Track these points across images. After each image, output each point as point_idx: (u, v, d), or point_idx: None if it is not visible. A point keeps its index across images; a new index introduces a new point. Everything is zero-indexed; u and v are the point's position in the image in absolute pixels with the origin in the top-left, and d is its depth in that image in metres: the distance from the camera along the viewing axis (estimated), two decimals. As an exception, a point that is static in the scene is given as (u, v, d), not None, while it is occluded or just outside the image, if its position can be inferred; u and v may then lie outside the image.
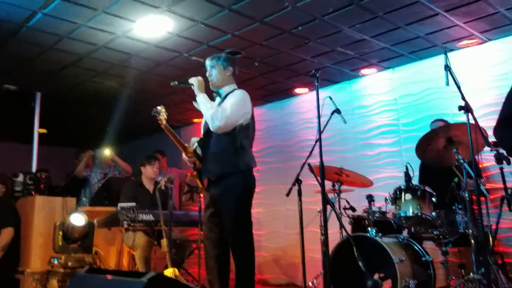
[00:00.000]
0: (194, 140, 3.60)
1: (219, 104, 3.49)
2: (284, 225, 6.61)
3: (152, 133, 9.23)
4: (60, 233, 4.55)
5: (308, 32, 4.68)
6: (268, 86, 6.36)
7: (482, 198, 3.68)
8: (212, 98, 3.64)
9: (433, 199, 3.67)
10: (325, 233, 3.12)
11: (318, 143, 3.24)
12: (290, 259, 6.45)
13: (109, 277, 2.16)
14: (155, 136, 9.26)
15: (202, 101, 3.48)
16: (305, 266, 3.61)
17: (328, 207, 3.36)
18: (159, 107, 3.49)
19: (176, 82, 3.60)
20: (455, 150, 3.49)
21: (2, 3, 3.97)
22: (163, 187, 4.32)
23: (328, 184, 4.55)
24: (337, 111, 3.97)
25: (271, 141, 6.96)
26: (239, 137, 3.42)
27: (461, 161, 3.40)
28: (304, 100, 6.71)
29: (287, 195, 3.60)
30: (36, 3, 3.99)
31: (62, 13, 4.17)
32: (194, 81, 3.55)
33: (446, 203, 3.74)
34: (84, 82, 6.08)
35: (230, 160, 3.40)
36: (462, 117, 4.55)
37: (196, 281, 4.77)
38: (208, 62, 3.65)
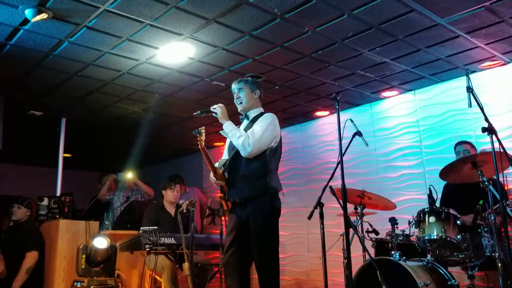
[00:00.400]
0: (221, 162, 3.62)
1: (246, 127, 3.51)
2: (306, 248, 6.56)
3: (174, 157, 9.34)
4: (83, 256, 4.59)
5: (328, 55, 4.71)
6: (289, 109, 6.40)
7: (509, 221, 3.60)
8: (238, 122, 3.67)
9: (458, 222, 3.61)
10: (347, 257, 3.09)
11: (339, 166, 3.23)
12: (312, 283, 6.37)
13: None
14: (177, 160, 9.37)
15: (229, 129, 3.47)
16: (328, 290, 3.55)
17: (351, 230, 3.33)
18: (200, 128, 3.48)
19: (198, 112, 3.60)
20: (479, 172, 3.44)
21: (31, 33, 4.11)
22: (184, 210, 4.34)
23: (350, 207, 4.51)
24: (359, 133, 3.96)
25: (293, 164, 6.96)
26: (267, 160, 3.43)
27: (486, 183, 3.35)
28: (325, 122, 6.72)
29: (309, 218, 3.57)
30: (63, 32, 4.12)
31: (87, 41, 4.29)
32: (218, 109, 3.53)
33: (472, 225, 3.67)
34: (107, 107, 6.20)
35: (258, 183, 3.39)
36: (485, 139, 4.52)
37: (218, 305, 4.74)
38: (235, 86, 3.67)
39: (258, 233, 3.32)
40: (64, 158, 6.48)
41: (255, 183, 3.39)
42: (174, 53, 4.57)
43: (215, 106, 3.56)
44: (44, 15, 3.75)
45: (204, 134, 3.48)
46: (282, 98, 5.98)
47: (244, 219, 3.39)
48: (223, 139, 3.73)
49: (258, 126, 3.42)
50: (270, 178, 3.41)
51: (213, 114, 3.55)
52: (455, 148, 4.63)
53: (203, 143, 3.47)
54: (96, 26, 4.01)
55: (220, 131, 3.58)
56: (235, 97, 3.66)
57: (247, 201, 3.40)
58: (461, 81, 5.22)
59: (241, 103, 3.61)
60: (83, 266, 4.57)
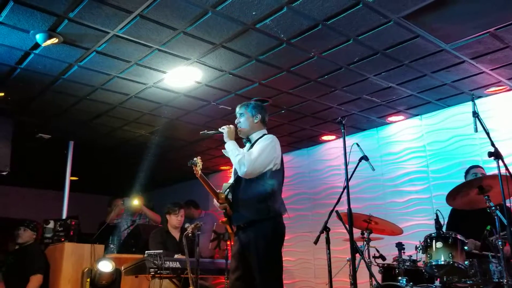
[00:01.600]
0: (226, 186, 3.62)
1: (248, 150, 3.52)
2: (313, 274, 6.49)
3: (181, 180, 9.34)
4: (88, 280, 4.58)
5: (334, 80, 4.75)
6: (295, 133, 6.42)
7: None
8: (243, 145, 3.69)
9: (465, 247, 3.56)
10: (354, 283, 3.05)
11: (346, 190, 3.22)
12: (319, 309, 6.28)
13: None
14: (185, 183, 9.36)
15: (230, 148, 3.50)
16: (334, 317, 3.50)
17: (357, 255, 3.29)
18: (196, 159, 3.50)
19: (206, 131, 3.65)
20: (486, 197, 3.41)
21: (41, 57, 4.18)
22: (190, 234, 4.32)
23: (357, 232, 4.48)
24: (365, 157, 3.95)
25: (299, 188, 6.94)
26: (269, 183, 3.41)
27: (493, 208, 3.32)
28: (331, 147, 6.72)
29: (315, 243, 3.54)
30: (73, 56, 4.19)
31: (97, 65, 4.36)
32: (225, 129, 3.56)
33: (479, 252, 3.63)
34: (115, 131, 6.26)
35: (259, 207, 3.37)
36: (492, 164, 4.49)
37: (223, 331, 4.67)
38: (237, 110, 3.70)
39: (260, 258, 3.28)
40: (71, 181, 6.51)
41: (257, 207, 3.37)
42: (181, 77, 4.62)
43: (223, 126, 3.59)
44: (54, 40, 3.82)
45: (200, 164, 3.49)
46: (288, 122, 6.01)
47: (246, 244, 3.36)
48: (229, 163, 3.74)
49: (255, 147, 3.43)
50: (272, 201, 3.39)
51: (222, 134, 3.58)
52: (468, 171, 4.55)
53: (200, 173, 3.48)
54: (105, 50, 4.08)
55: (222, 150, 3.59)
56: (236, 121, 3.68)
57: (249, 225, 3.38)
58: (467, 106, 5.22)
59: (240, 127, 3.63)
60: (87, 290, 4.55)
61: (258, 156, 3.35)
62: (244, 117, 3.64)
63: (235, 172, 3.61)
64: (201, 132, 3.70)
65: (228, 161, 3.76)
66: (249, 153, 3.38)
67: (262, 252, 3.29)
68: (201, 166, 3.52)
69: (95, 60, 4.26)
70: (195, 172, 3.48)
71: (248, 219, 3.38)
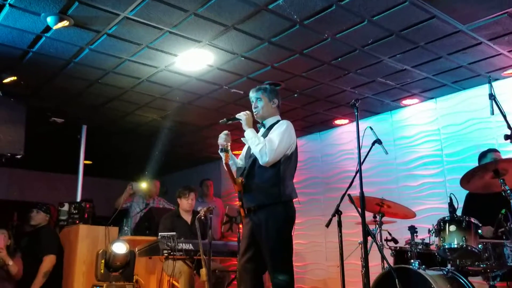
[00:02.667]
0: (239, 171, 3.61)
1: (263, 135, 3.52)
2: (324, 257, 6.50)
3: (193, 165, 9.37)
4: (102, 261, 4.63)
5: (348, 63, 4.69)
6: (308, 117, 6.37)
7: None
8: (257, 130, 3.68)
9: (479, 231, 3.53)
10: (365, 265, 3.04)
11: (358, 174, 3.19)
12: (330, 292, 6.31)
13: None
14: (197, 168, 9.40)
15: (250, 136, 3.48)
16: (346, 299, 3.50)
17: (369, 238, 3.28)
18: (227, 146, 3.49)
19: (224, 120, 3.65)
20: (501, 180, 3.36)
21: (53, 40, 4.18)
22: (202, 217, 4.34)
23: (369, 216, 4.45)
24: (378, 141, 3.91)
25: (311, 173, 6.92)
26: (282, 168, 3.42)
27: (508, 191, 3.27)
28: (344, 131, 6.68)
29: (327, 226, 3.54)
30: (84, 39, 4.18)
31: (108, 48, 4.35)
32: (242, 116, 3.55)
33: (493, 236, 3.59)
34: (127, 115, 6.27)
35: (272, 191, 3.38)
36: (508, 147, 4.43)
37: (235, 312, 4.71)
38: (253, 94, 3.67)
39: (270, 241, 3.31)
40: (85, 165, 6.56)
41: (269, 191, 3.39)
42: (193, 60, 4.60)
43: (241, 113, 3.58)
44: (65, 23, 3.81)
45: (230, 151, 3.49)
46: (301, 106, 5.96)
47: (258, 227, 3.38)
48: (241, 147, 3.74)
49: (274, 135, 3.42)
50: (285, 186, 3.40)
51: (240, 121, 3.56)
52: (485, 155, 4.47)
53: (228, 160, 3.48)
54: (116, 33, 4.06)
55: (242, 138, 3.58)
56: (253, 106, 3.67)
57: (260, 208, 3.39)
58: (483, 89, 5.14)
59: (258, 112, 3.62)
60: (102, 271, 4.61)
61: (278, 144, 3.36)
62: (262, 102, 3.63)
63: (248, 156, 3.61)
64: (220, 121, 3.71)
65: (240, 146, 3.75)
66: (270, 142, 3.37)
67: (273, 235, 3.31)
68: (230, 154, 3.51)
69: (106, 43, 4.25)
70: (224, 158, 3.45)
71: (260, 202, 3.39)
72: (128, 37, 4.15)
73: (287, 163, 3.46)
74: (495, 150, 4.46)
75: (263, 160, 3.34)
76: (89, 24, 3.92)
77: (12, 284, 4.64)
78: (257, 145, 3.38)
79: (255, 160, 3.46)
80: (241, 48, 4.36)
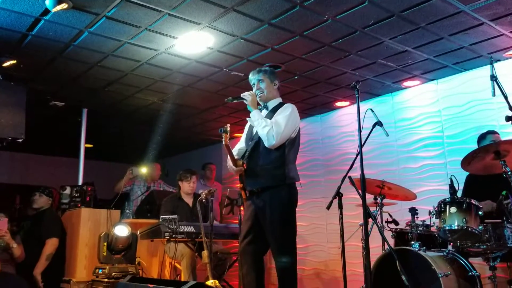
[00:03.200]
0: (241, 152, 3.65)
1: (266, 117, 3.51)
2: (325, 239, 6.54)
3: (193, 148, 9.39)
4: (105, 244, 4.66)
5: (349, 44, 4.66)
6: (309, 99, 6.35)
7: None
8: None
9: (480, 212, 3.54)
10: (366, 247, 3.06)
11: (359, 156, 3.20)
12: (331, 273, 6.37)
13: (150, 286, 2.19)
14: (197, 151, 9.42)
15: (256, 118, 3.48)
16: (346, 280, 3.54)
17: (370, 220, 3.30)
18: (226, 126, 3.51)
19: (230, 98, 3.65)
20: (502, 162, 3.37)
21: (52, 23, 4.15)
22: (203, 200, 4.36)
23: (369, 198, 4.47)
24: (379, 123, 3.91)
25: (312, 155, 6.93)
26: (287, 150, 3.44)
27: (509, 173, 3.28)
28: (345, 113, 6.66)
29: (328, 208, 3.56)
30: (83, 22, 4.14)
31: (107, 31, 4.31)
32: (248, 97, 3.54)
33: (494, 216, 3.61)
34: (127, 98, 6.25)
35: (276, 173, 3.40)
36: (509, 129, 4.42)
37: (236, 293, 4.76)
38: (254, 77, 3.66)
39: (275, 223, 3.33)
40: (86, 148, 6.57)
41: (273, 173, 3.40)
42: (192, 42, 4.56)
43: (245, 93, 3.56)
44: (64, 5, 3.78)
45: (229, 132, 3.50)
46: (302, 89, 5.94)
47: (261, 208, 3.39)
48: (241, 130, 3.74)
49: (280, 118, 3.42)
50: (289, 168, 3.42)
51: (244, 101, 3.56)
52: (485, 137, 4.46)
53: (228, 141, 3.49)
54: (115, 15, 4.03)
55: (247, 119, 3.58)
56: (255, 88, 3.66)
57: (264, 191, 3.41)
58: (485, 70, 5.11)
59: (262, 93, 3.61)
60: (104, 254, 4.65)
61: (285, 127, 3.38)
62: (264, 84, 3.63)
63: (249, 138, 3.61)
64: (226, 99, 3.71)
65: (240, 129, 3.75)
66: (276, 125, 3.37)
67: (277, 218, 3.34)
68: (229, 135, 3.54)
69: (105, 26, 4.21)
70: (224, 139, 3.47)
71: (264, 184, 3.41)
72: (127, 20, 4.11)
73: (291, 145, 3.47)
74: (494, 132, 4.45)
75: (270, 142, 3.35)
76: (88, 7, 3.88)
77: (14, 267, 4.69)
78: (264, 127, 3.38)
79: (258, 142, 3.47)
80: (241, 30, 4.33)
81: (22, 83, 5.34)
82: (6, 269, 4.57)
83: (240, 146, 3.77)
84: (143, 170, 6.61)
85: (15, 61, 4.94)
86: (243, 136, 3.79)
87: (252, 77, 3.68)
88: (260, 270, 3.43)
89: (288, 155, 3.44)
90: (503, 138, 4.62)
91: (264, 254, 3.50)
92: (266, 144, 3.39)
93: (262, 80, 3.63)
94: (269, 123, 3.40)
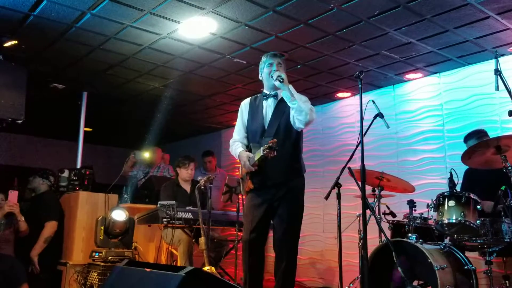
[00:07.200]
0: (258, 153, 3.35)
1: (276, 106, 3.48)
2: (322, 229, 6.56)
3: (193, 135, 9.37)
4: (102, 227, 4.67)
5: (353, 34, 4.62)
6: (311, 89, 6.32)
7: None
8: (259, 100, 3.62)
9: (478, 206, 3.54)
10: (363, 237, 3.06)
11: (359, 147, 3.18)
12: (327, 263, 6.39)
13: (147, 270, 2.18)
14: (197, 138, 9.41)
15: (295, 92, 3.35)
16: (342, 270, 3.55)
17: (368, 211, 3.29)
18: (272, 143, 3.11)
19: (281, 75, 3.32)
20: (503, 156, 3.36)
21: (54, 3, 4.11)
22: (202, 187, 4.36)
23: (368, 189, 4.46)
24: (380, 115, 3.89)
25: (311, 145, 6.91)
26: (299, 143, 3.46)
27: (510, 168, 3.27)
28: (346, 104, 6.64)
29: (326, 198, 3.56)
30: (86, 3, 4.10)
31: (110, 13, 4.28)
32: (283, 74, 3.32)
33: (492, 211, 3.61)
34: (128, 83, 6.22)
35: (295, 166, 3.46)
36: (511, 124, 4.41)
37: (233, 280, 4.78)
38: (275, 59, 3.49)
39: (293, 216, 3.40)
40: (85, 132, 6.55)
41: (293, 166, 3.44)
42: (195, 28, 4.53)
43: (278, 73, 3.31)
44: (67, -14, 3.74)
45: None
46: (304, 78, 5.91)
47: (280, 198, 3.38)
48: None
49: (301, 101, 3.34)
50: (302, 159, 3.48)
51: (279, 81, 3.27)
52: (472, 136, 4.44)
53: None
54: (118, -3, 3.99)
55: (282, 93, 3.38)
56: (274, 69, 3.44)
57: (282, 184, 3.40)
58: (488, 65, 5.09)
59: (282, 79, 3.28)
60: (101, 237, 4.66)
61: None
62: (282, 68, 3.52)
63: (261, 130, 3.50)
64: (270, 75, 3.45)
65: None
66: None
67: (296, 211, 3.44)
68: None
69: (108, 8, 4.17)
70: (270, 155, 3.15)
71: (284, 178, 3.39)
72: (131, 2, 4.07)
73: (301, 136, 3.48)
74: (482, 133, 4.39)
75: (310, 117, 3.30)
76: (91, -12, 3.85)
77: (11, 247, 4.70)
78: (306, 101, 3.36)
79: (277, 132, 3.38)
80: (245, 16, 4.29)
81: (23, 64, 5.32)
82: (6, 250, 4.59)
83: (240, 136, 3.69)
84: (146, 154, 6.59)
85: (16, 42, 4.91)
86: (239, 127, 3.71)
87: (273, 59, 3.50)
88: (263, 257, 3.51)
89: (300, 146, 3.47)
90: (505, 133, 4.62)
91: (265, 244, 3.55)
92: (304, 119, 3.29)
93: (280, 64, 3.53)
94: (306, 98, 3.40)
